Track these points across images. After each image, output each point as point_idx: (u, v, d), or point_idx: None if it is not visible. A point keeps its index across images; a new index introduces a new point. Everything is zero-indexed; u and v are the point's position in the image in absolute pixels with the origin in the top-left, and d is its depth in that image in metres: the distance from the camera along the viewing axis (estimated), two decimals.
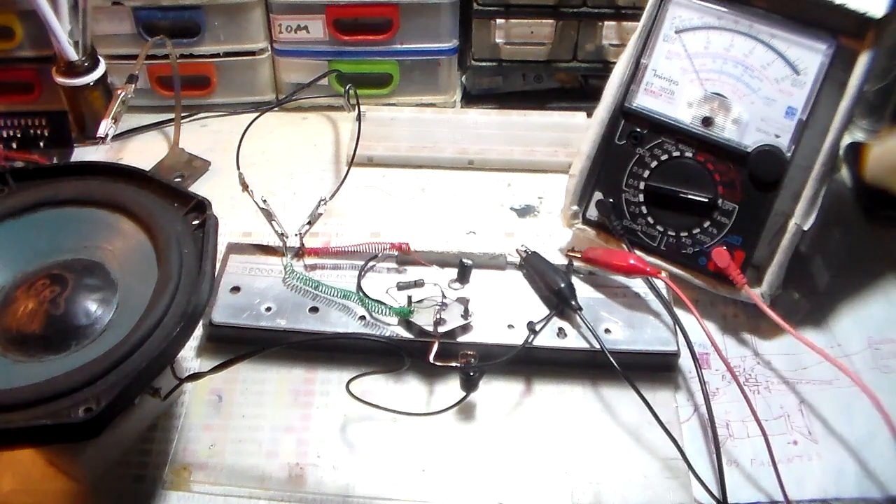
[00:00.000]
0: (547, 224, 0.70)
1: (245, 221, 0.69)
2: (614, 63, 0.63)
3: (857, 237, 0.69)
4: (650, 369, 0.57)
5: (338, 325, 0.58)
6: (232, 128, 0.77)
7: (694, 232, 0.62)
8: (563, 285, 0.59)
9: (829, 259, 0.66)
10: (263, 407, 0.56)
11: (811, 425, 0.56)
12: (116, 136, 0.76)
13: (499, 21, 0.78)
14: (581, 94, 0.83)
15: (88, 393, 0.43)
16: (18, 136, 0.78)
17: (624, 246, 0.62)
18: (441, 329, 0.56)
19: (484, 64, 0.81)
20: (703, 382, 0.55)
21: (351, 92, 0.74)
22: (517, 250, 0.63)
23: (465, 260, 0.60)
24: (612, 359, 0.55)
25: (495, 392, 0.57)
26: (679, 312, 0.59)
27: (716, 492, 0.52)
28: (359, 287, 0.60)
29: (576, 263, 0.62)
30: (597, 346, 0.57)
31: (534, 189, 0.73)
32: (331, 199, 0.68)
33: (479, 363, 0.54)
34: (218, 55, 0.78)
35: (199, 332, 0.60)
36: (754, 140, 0.59)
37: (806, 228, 0.58)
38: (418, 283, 0.60)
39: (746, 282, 0.59)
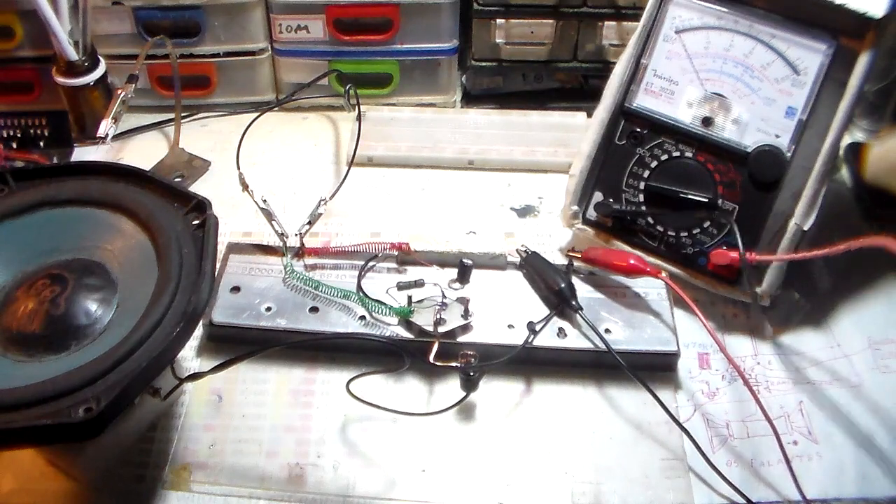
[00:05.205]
0: (547, 224, 0.70)
1: (245, 221, 0.69)
2: (614, 63, 0.63)
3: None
4: (650, 369, 0.57)
5: (338, 325, 0.58)
6: (232, 128, 0.77)
7: (694, 232, 0.62)
8: (563, 285, 0.59)
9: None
10: (263, 407, 0.56)
11: (811, 425, 0.56)
12: (116, 136, 0.76)
13: (499, 21, 0.78)
14: (581, 94, 0.83)
15: (88, 393, 0.43)
16: (18, 136, 0.78)
17: (625, 247, 0.62)
18: (441, 329, 0.56)
19: (484, 64, 0.81)
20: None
21: (351, 92, 0.74)
22: (517, 250, 0.62)
23: (465, 260, 0.60)
24: (617, 357, 0.55)
25: (495, 392, 0.57)
26: (679, 312, 0.59)
27: (725, 490, 0.52)
28: (359, 287, 0.60)
29: (576, 263, 0.62)
30: (597, 345, 0.57)
31: (534, 189, 0.73)
32: (331, 199, 0.68)
33: (479, 363, 0.54)
34: (218, 55, 0.78)
35: (199, 332, 0.60)
36: (754, 140, 0.59)
37: (806, 228, 0.58)
38: (418, 283, 0.60)
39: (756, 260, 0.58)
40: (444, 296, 0.59)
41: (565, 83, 0.84)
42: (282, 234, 0.63)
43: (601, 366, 0.58)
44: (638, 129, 0.63)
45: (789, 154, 0.58)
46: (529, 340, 0.57)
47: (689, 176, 0.61)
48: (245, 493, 0.52)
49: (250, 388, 0.57)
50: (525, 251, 0.62)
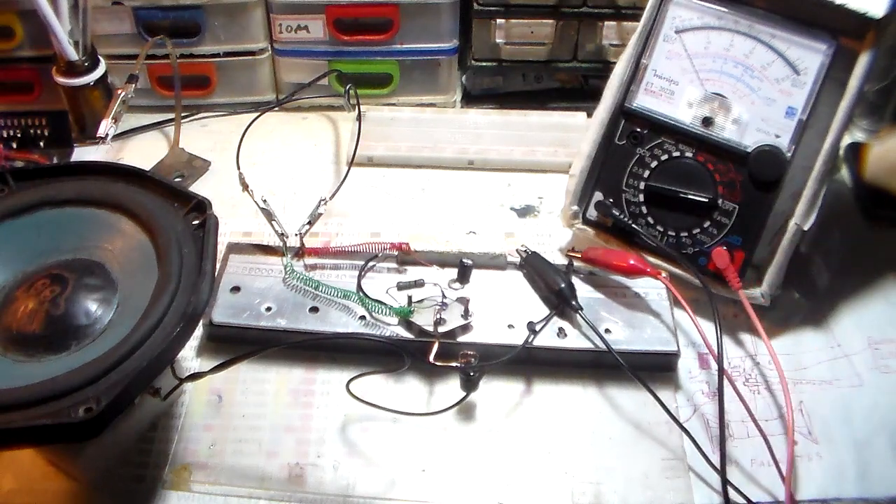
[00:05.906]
0: (547, 224, 0.70)
1: (245, 221, 0.69)
2: (614, 63, 0.63)
3: (857, 237, 0.69)
4: (650, 369, 0.57)
5: (338, 325, 0.58)
6: (232, 128, 0.77)
7: (694, 232, 0.62)
8: (563, 285, 0.59)
9: (829, 259, 0.66)
10: (263, 407, 0.56)
11: (811, 425, 0.56)
12: (116, 136, 0.76)
13: (499, 21, 0.78)
14: (581, 94, 0.83)
15: (88, 393, 0.43)
16: (18, 136, 0.78)
17: (625, 247, 0.62)
18: (441, 329, 0.56)
19: (484, 64, 0.81)
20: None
21: (351, 92, 0.74)
22: (517, 250, 0.62)
23: (465, 260, 0.60)
24: (617, 357, 0.55)
25: (495, 392, 0.57)
26: (679, 312, 0.59)
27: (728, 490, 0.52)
28: (359, 287, 0.60)
29: (576, 263, 0.62)
30: (597, 345, 0.57)
31: (534, 189, 0.73)
32: (331, 199, 0.68)
33: (479, 363, 0.54)
34: (218, 55, 0.79)
35: (199, 332, 0.60)
36: (754, 140, 0.59)
37: (806, 228, 0.58)
38: (418, 283, 0.60)
39: (741, 286, 0.59)
40: (444, 296, 0.59)
41: (565, 83, 0.84)
42: (282, 234, 0.63)
43: (601, 366, 0.58)
44: (638, 129, 0.63)
45: (789, 154, 0.58)
46: (529, 340, 0.57)
47: (689, 176, 0.61)
48: (245, 493, 0.52)
49: (250, 388, 0.57)
50: (525, 251, 0.62)
